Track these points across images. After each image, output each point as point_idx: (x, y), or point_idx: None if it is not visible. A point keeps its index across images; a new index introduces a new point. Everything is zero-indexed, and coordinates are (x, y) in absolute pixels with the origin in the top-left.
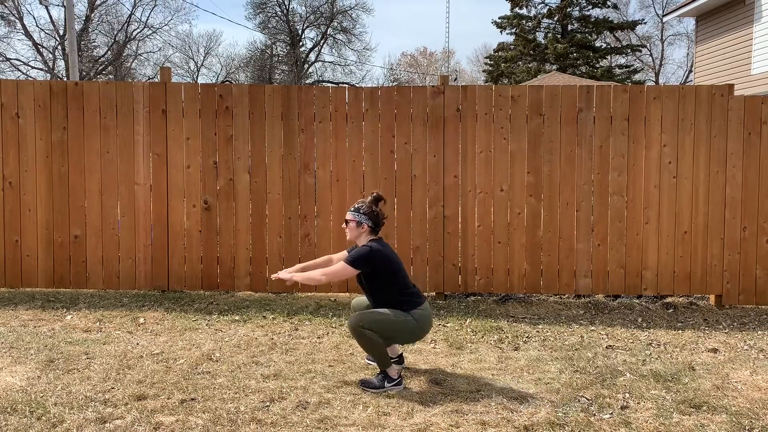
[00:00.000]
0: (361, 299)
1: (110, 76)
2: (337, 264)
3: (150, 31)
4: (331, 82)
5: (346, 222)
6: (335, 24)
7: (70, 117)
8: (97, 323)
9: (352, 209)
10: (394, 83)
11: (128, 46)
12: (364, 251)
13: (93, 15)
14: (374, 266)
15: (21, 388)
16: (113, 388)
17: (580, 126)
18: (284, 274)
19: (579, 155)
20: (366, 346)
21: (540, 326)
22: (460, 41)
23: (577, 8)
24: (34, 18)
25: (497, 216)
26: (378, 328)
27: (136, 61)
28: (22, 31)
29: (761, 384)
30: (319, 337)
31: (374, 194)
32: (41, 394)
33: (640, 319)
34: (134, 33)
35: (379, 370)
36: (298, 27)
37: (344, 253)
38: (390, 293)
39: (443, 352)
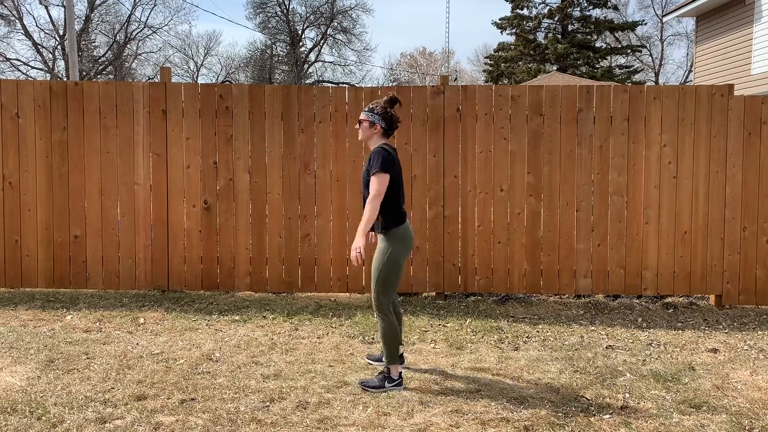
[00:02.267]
0: None
1: (110, 76)
2: (372, 186)
3: (150, 31)
4: (331, 82)
5: (360, 122)
6: (335, 24)
7: (70, 117)
8: (97, 323)
9: (367, 109)
10: (394, 83)
11: (128, 46)
12: (383, 153)
13: (93, 15)
14: (395, 166)
15: (21, 388)
16: (113, 388)
17: (580, 126)
18: (355, 252)
19: (579, 155)
20: (381, 329)
21: (540, 326)
22: (460, 41)
23: (578, 9)
24: (34, 18)
25: (497, 216)
26: (381, 277)
27: (136, 61)
28: (22, 31)
29: (761, 384)
30: (319, 337)
31: (390, 95)
32: (41, 394)
33: (640, 319)
34: (134, 33)
35: (378, 370)
36: (298, 27)
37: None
38: (385, 201)
39: (443, 352)
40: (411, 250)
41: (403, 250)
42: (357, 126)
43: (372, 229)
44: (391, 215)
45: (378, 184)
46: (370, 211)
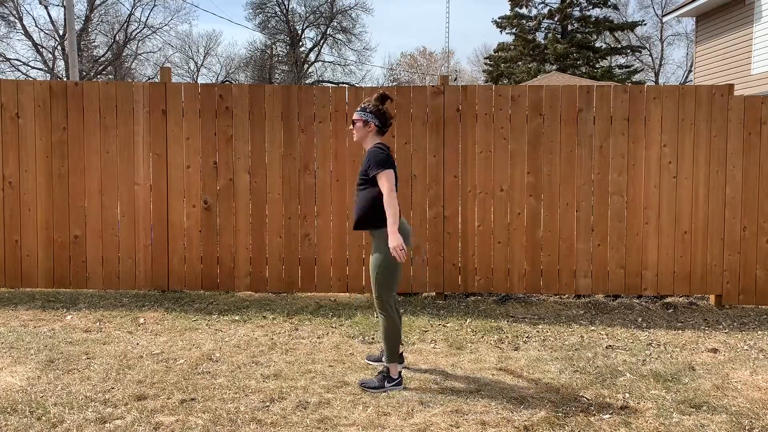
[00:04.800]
0: None
1: (110, 76)
2: (382, 183)
3: (150, 32)
4: (331, 82)
5: (353, 122)
6: (335, 24)
7: (70, 117)
8: (97, 323)
9: (359, 108)
10: (394, 83)
11: (128, 46)
12: (378, 152)
13: (93, 15)
14: (393, 165)
15: (21, 388)
16: (113, 388)
17: (580, 126)
18: (395, 239)
19: (579, 155)
20: (383, 326)
21: (540, 326)
22: (460, 41)
23: (578, 8)
24: (34, 18)
25: (497, 216)
26: (380, 278)
27: (136, 61)
28: (22, 31)
29: (761, 384)
30: (319, 337)
31: (381, 92)
32: (41, 394)
33: (640, 319)
34: (134, 33)
35: (378, 370)
36: (297, 27)
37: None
38: (378, 201)
39: (443, 352)
40: (408, 245)
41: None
42: (350, 127)
43: (366, 227)
44: (384, 213)
45: (386, 181)
46: (392, 207)
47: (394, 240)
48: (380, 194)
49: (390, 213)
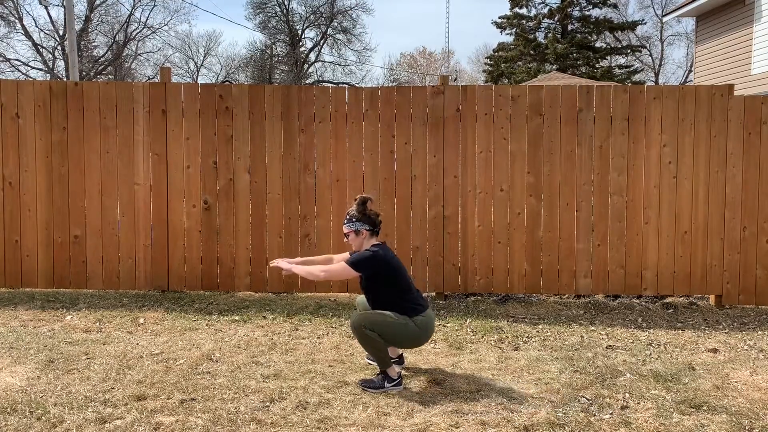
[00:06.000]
0: (365, 297)
1: (110, 76)
2: (339, 264)
3: (150, 32)
4: (331, 82)
5: (346, 236)
6: (335, 24)
7: (70, 117)
8: (97, 323)
9: (345, 221)
10: (394, 83)
11: (128, 46)
12: (366, 254)
13: (93, 15)
14: (376, 270)
15: (21, 389)
16: (113, 388)
17: (580, 126)
18: (284, 263)
19: (579, 155)
20: (367, 346)
21: (540, 326)
22: (460, 41)
23: (578, 8)
24: (34, 18)
25: (497, 216)
26: (380, 330)
27: (135, 61)
28: (22, 31)
29: (761, 384)
30: (319, 337)
31: (358, 198)
32: (41, 395)
33: (640, 319)
34: (134, 33)
35: (379, 370)
36: (298, 27)
37: (346, 255)
38: (391, 298)
39: (443, 352)
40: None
41: (420, 335)
42: (346, 240)
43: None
44: (406, 303)
45: (340, 270)
46: (314, 272)
47: (285, 263)
48: (387, 289)
49: (309, 271)
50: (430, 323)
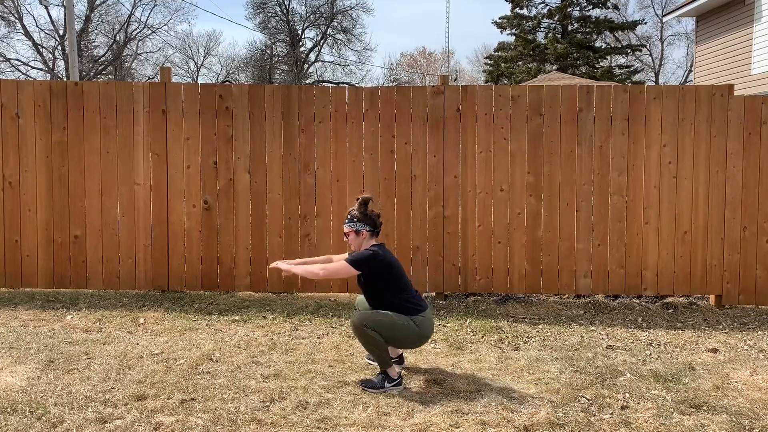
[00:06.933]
0: (364, 297)
1: (110, 76)
2: (338, 262)
3: (150, 31)
4: (331, 82)
5: (346, 235)
6: (335, 24)
7: (70, 117)
8: (97, 323)
9: (346, 221)
10: (394, 83)
11: (128, 46)
12: (366, 253)
13: (93, 15)
14: (375, 269)
15: (21, 388)
16: (113, 388)
17: (580, 126)
18: (283, 264)
19: (579, 155)
20: (367, 345)
21: (540, 326)
22: (460, 41)
23: (578, 8)
24: (34, 18)
25: (497, 216)
26: (381, 329)
27: (136, 61)
28: (22, 31)
29: (761, 384)
30: (319, 337)
31: (360, 198)
32: (41, 394)
33: (640, 319)
34: (134, 33)
35: (379, 370)
36: (298, 27)
37: (345, 255)
38: (390, 298)
39: (443, 352)
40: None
41: (420, 335)
42: (345, 240)
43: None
44: (405, 303)
45: (339, 268)
46: (314, 271)
47: (284, 264)
48: (386, 288)
49: (308, 270)
50: (429, 323)
